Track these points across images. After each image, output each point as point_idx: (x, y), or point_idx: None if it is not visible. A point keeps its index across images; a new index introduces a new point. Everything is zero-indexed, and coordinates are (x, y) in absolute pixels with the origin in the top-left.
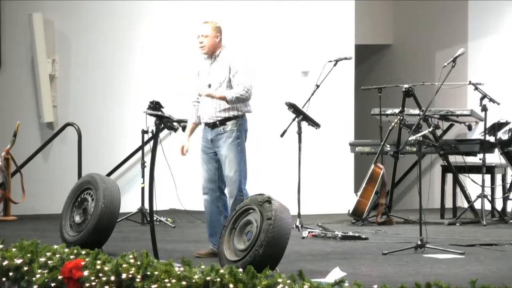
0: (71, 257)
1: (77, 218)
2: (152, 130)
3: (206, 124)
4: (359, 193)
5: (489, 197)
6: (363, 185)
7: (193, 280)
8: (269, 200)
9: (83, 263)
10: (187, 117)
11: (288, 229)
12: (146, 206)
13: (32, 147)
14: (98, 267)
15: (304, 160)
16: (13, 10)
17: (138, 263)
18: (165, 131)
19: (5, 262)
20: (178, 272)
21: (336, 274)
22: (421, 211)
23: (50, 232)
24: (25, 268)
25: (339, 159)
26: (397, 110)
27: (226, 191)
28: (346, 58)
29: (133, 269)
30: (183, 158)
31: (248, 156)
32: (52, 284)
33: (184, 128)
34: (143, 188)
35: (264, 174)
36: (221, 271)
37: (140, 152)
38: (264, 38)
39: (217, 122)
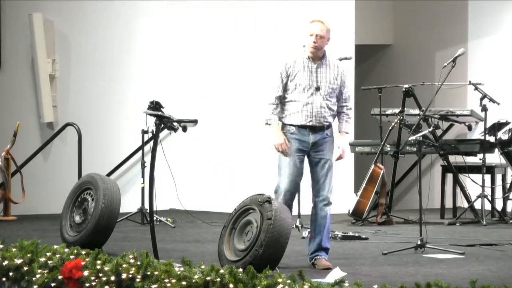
0: (71, 257)
1: (77, 218)
2: (152, 130)
3: (307, 127)
4: (359, 193)
5: (489, 197)
6: (363, 185)
7: (193, 280)
8: (269, 200)
9: (83, 263)
10: (271, 116)
11: (288, 229)
12: (146, 206)
13: (32, 147)
14: (98, 267)
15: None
16: (13, 10)
17: (138, 263)
18: (165, 131)
19: (5, 262)
20: (178, 272)
21: (336, 274)
22: (421, 211)
23: (50, 232)
24: (25, 268)
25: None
26: (397, 110)
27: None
28: (346, 58)
29: (133, 269)
30: (182, 158)
31: (249, 156)
32: (52, 284)
33: (184, 128)
34: (143, 188)
35: (264, 174)
36: (221, 271)
37: (140, 152)
38: (264, 38)
39: (325, 126)
